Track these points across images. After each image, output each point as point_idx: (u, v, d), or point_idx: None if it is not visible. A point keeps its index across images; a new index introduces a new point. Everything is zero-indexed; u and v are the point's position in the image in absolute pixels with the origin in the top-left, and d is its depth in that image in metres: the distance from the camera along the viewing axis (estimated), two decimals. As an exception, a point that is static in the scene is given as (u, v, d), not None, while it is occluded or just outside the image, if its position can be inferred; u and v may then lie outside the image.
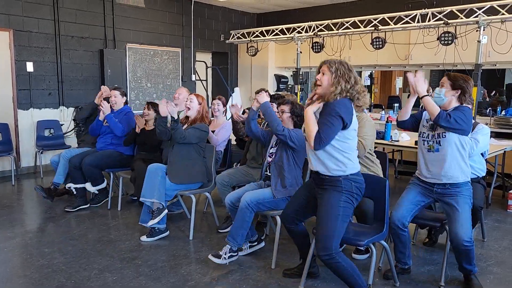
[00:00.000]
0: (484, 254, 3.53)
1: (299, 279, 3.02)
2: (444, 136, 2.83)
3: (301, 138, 3.19)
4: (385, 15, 6.54)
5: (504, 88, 8.77)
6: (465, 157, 2.87)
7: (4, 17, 6.02)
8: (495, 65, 6.46)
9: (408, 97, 3.00)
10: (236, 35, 8.76)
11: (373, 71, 10.55)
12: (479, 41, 5.38)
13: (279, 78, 8.93)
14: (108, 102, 4.69)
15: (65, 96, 6.72)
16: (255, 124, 3.44)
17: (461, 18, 5.72)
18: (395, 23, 6.44)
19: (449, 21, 5.76)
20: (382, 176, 3.35)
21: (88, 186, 4.58)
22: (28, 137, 6.44)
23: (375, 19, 6.63)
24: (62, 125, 6.68)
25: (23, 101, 6.35)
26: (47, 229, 4.07)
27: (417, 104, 3.30)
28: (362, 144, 3.24)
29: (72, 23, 6.73)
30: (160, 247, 3.63)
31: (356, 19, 6.87)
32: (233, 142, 4.92)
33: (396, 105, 7.69)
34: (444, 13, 5.86)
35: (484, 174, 3.60)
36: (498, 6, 5.47)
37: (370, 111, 7.78)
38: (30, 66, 6.33)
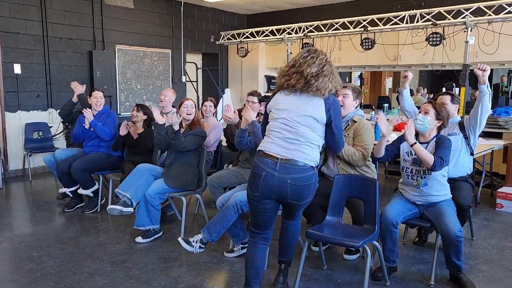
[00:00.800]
0: (473, 253, 3.56)
1: (293, 279, 3.02)
2: (429, 173, 2.96)
3: None
4: (374, 16, 6.58)
5: (491, 88, 8.87)
6: (444, 181, 3.05)
7: (-9, 18, 5.96)
8: (483, 65, 6.54)
9: (380, 137, 3.06)
10: (226, 36, 8.75)
11: (363, 72, 10.61)
12: (466, 42, 5.45)
13: (269, 79, 8.94)
14: (89, 107, 4.63)
15: (53, 98, 6.65)
16: (245, 141, 3.36)
17: (449, 19, 5.78)
18: (384, 24, 6.48)
19: (437, 22, 5.82)
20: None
21: (81, 190, 4.54)
22: (16, 139, 6.37)
23: (364, 20, 6.67)
24: (51, 127, 6.61)
25: (11, 103, 6.28)
26: (36, 232, 4.02)
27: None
28: (362, 155, 3.18)
29: (60, 24, 6.67)
30: (150, 250, 3.61)
31: (346, 20, 6.91)
32: (224, 144, 4.91)
33: (386, 105, 7.74)
34: (432, 14, 5.92)
35: (471, 172, 3.62)
36: (485, 7, 5.53)
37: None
38: (17, 68, 6.26)
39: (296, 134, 2.43)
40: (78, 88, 4.94)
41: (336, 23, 7.02)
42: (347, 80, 10.82)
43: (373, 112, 7.15)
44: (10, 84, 6.23)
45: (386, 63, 7.15)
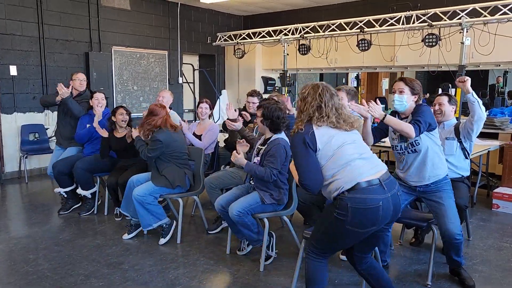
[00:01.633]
0: (470, 253, 3.57)
1: (289, 280, 3.03)
2: (417, 144, 2.90)
3: (280, 153, 3.18)
4: (371, 17, 6.60)
5: (487, 89, 8.92)
6: (440, 152, 2.97)
7: (-13, 20, 5.94)
8: (479, 66, 6.57)
9: (364, 120, 3.00)
10: (223, 37, 8.75)
11: (360, 73, 10.65)
12: (462, 43, 5.47)
13: (266, 80, 8.94)
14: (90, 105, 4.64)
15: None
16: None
17: (445, 20, 5.80)
18: (380, 25, 6.50)
19: (433, 23, 5.84)
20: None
21: (80, 190, 4.52)
22: (12, 141, 6.34)
23: (360, 21, 6.68)
24: (47, 129, 6.59)
25: (7, 105, 6.25)
26: (32, 235, 4.00)
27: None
28: None
29: (57, 26, 6.66)
30: (147, 252, 3.60)
31: (342, 21, 6.92)
32: (221, 145, 4.91)
33: (383, 106, 7.74)
34: (428, 15, 5.94)
35: (468, 174, 3.64)
36: (480, 8, 5.56)
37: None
38: (13, 70, 6.24)
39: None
40: (63, 91, 4.67)
41: (333, 24, 7.03)
42: (343, 81, 10.85)
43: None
44: (6, 85, 6.21)
45: (382, 64, 7.17)
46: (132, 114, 4.57)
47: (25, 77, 6.40)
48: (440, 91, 7.01)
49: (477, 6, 5.58)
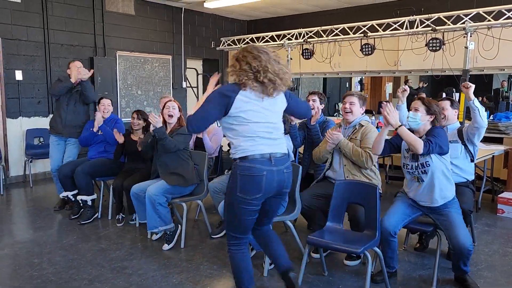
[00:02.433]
0: (475, 258, 3.55)
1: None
2: (428, 165, 2.91)
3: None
4: (374, 22, 6.60)
5: (492, 94, 8.89)
6: (449, 175, 2.98)
7: (-7, 25, 5.99)
8: (483, 70, 6.55)
9: (381, 129, 3.02)
10: (226, 42, 8.78)
11: (363, 77, 10.63)
12: (466, 47, 5.46)
13: (269, 85, 8.94)
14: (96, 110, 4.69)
15: (54, 104, 6.64)
16: None
17: (449, 25, 5.80)
18: (384, 30, 6.50)
19: (436, 28, 5.83)
20: (380, 187, 3.36)
21: (80, 196, 4.50)
22: (17, 145, 6.37)
23: (364, 26, 6.69)
24: (51, 133, 6.62)
25: (12, 109, 6.29)
26: (36, 239, 4.01)
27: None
28: (370, 156, 3.27)
29: (62, 31, 6.70)
30: (151, 256, 3.60)
31: (346, 25, 6.93)
32: (224, 149, 4.91)
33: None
34: (432, 19, 5.94)
35: (472, 178, 3.63)
36: (484, 12, 5.55)
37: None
38: (19, 75, 6.28)
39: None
40: (85, 72, 4.74)
41: (336, 29, 7.04)
42: (347, 86, 10.84)
43: (373, 117, 7.16)
44: (11, 90, 6.25)
45: (386, 68, 7.16)
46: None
47: (30, 82, 6.44)
48: (444, 95, 7.00)
49: (481, 10, 5.58)
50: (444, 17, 5.87)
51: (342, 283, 3.12)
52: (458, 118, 3.75)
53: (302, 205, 3.40)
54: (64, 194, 4.62)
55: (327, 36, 7.15)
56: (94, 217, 4.52)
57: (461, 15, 5.71)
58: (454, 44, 5.82)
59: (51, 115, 6.64)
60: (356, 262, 3.44)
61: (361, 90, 10.82)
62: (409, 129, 2.95)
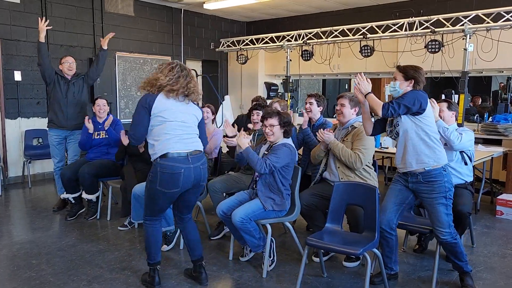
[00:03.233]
0: (474, 260, 3.55)
1: (292, 287, 3.02)
2: (398, 125, 2.89)
3: (285, 154, 3.24)
4: (373, 24, 6.62)
5: (491, 95, 8.90)
6: (428, 139, 2.83)
7: (-8, 25, 5.98)
8: (482, 72, 6.57)
9: (362, 106, 3.02)
10: (226, 43, 8.78)
11: (362, 79, 10.63)
12: (465, 49, 5.47)
13: (269, 86, 8.95)
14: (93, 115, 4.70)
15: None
16: (244, 161, 3.45)
17: (448, 27, 5.81)
18: (383, 32, 6.52)
19: (436, 30, 5.84)
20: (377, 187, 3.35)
21: (84, 195, 4.54)
22: (16, 146, 6.36)
23: (363, 28, 6.71)
24: (50, 134, 6.61)
25: (11, 110, 6.28)
26: (35, 240, 4.00)
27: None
28: (359, 158, 3.30)
29: (61, 31, 6.70)
30: (150, 257, 3.59)
31: (345, 27, 6.94)
32: (224, 151, 4.90)
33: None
34: (431, 21, 5.95)
35: (471, 180, 3.63)
36: (483, 14, 5.57)
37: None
38: (18, 75, 6.27)
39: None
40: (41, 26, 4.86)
41: (335, 31, 7.05)
42: (346, 87, 10.85)
43: (372, 119, 7.16)
44: (10, 91, 6.24)
45: (385, 70, 7.16)
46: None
47: (30, 83, 6.43)
48: (443, 97, 7.01)
49: (480, 12, 5.59)
50: (443, 19, 5.89)
51: (341, 285, 3.12)
52: (456, 120, 3.75)
53: (301, 205, 3.40)
54: (65, 196, 4.63)
55: (326, 37, 7.16)
56: (97, 214, 4.61)
57: (460, 17, 5.72)
58: (453, 46, 5.84)
59: (50, 116, 6.64)
60: (355, 264, 3.44)
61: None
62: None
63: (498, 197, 4.82)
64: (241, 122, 4.87)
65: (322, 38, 7.22)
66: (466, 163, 3.56)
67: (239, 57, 8.40)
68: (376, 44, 6.60)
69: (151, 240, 2.97)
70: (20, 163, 6.40)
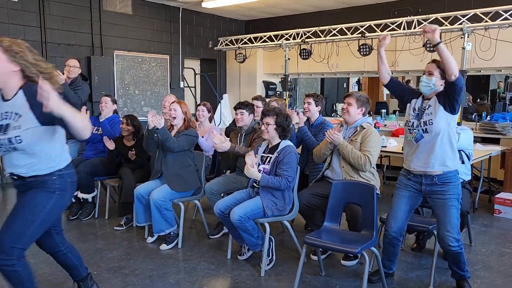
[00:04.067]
0: (472, 259, 3.56)
1: (291, 286, 3.02)
2: (431, 123, 2.70)
3: (293, 159, 3.27)
4: (372, 22, 6.62)
5: (489, 94, 8.91)
6: (454, 143, 2.76)
7: (-11, 24, 5.96)
8: (480, 71, 6.58)
9: (378, 52, 2.90)
10: (224, 42, 8.77)
11: (361, 78, 10.65)
12: (463, 48, 5.48)
13: (267, 85, 8.95)
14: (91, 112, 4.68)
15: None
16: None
17: (446, 25, 5.82)
18: (381, 30, 6.52)
19: (434, 28, 5.84)
20: (378, 188, 3.35)
21: (80, 194, 4.51)
22: (13, 145, 6.34)
23: (361, 26, 6.70)
24: (48, 133, 6.59)
25: (9, 109, 6.26)
26: (32, 239, 3.99)
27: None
28: (368, 160, 3.26)
29: (59, 30, 6.68)
30: (148, 256, 3.59)
31: (343, 26, 6.94)
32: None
33: (384, 111, 7.76)
34: (429, 20, 5.96)
35: (469, 178, 3.63)
36: (481, 13, 5.57)
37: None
38: (15, 74, 6.25)
39: None
40: (60, 78, 4.34)
41: (334, 29, 7.05)
42: (345, 86, 10.85)
43: (370, 118, 7.16)
44: (8, 89, 6.22)
45: (383, 69, 7.16)
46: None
47: (27, 81, 6.41)
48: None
49: (478, 11, 5.60)
50: (441, 17, 5.89)
51: (339, 284, 3.12)
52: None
53: (301, 204, 3.40)
54: None
55: (325, 36, 7.16)
56: (93, 213, 4.59)
57: (459, 16, 5.73)
58: (452, 44, 5.83)
59: (48, 115, 6.62)
60: (353, 263, 3.44)
61: (359, 91, 10.82)
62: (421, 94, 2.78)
63: (496, 196, 4.83)
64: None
65: (320, 37, 7.22)
66: (463, 162, 3.55)
67: (238, 55, 8.40)
68: (375, 43, 6.60)
69: (31, 276, 2.42)
70: (18, 162, 6.37)
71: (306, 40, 7.33)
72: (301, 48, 7.45)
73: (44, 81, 1.99)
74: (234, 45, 8.48)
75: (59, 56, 6.70)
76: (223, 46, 8.77)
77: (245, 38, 8.35)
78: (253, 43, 8.19)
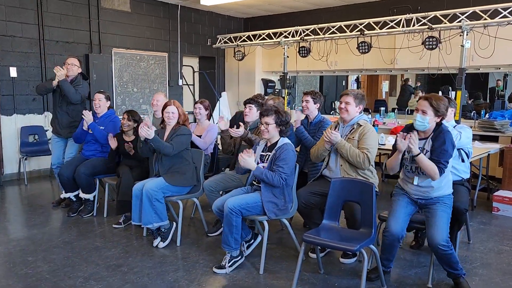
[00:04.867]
0: (470, 256, 3.56)
1: (289, 283, 3.02)
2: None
3: (291, 156, 3.24)
4: (371, 20, 6.60)
5: (488, 92, 8.91)
6: (448, 174, 2.94)
7: (-13, 21, 5.94)
8: (479, 69, 6.57)
9: (396, 153, 2.96)
10: (223, 39, 8.75)
11: (360, 75, 10.65)
12: (462, 46, 5.47)
13: (266, 83, 8.94)
14: (90, 110, 4.66)
15: (49, 102, 6.59)
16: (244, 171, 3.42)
17: (445, 23, 5.81)
18: (380, 28, 6.51)
19: (433, 26, 5.84)
20: (377, 186, 3.34)
21: (82, 194, 4.54)
22: (11, 143, 6.33)
23: (360, 24, 6.69)
24: (46, 131, 6.57)
25: (6, 106, 6.25)
26: (31, 237, 3.99)
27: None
28: (367, 157, 3.26)
29: (57, 27, 6.66)
30: (146, 254, 3.59)
31: (342, 24, 6.93)
32: (220, 147, 4.90)
33: (383, 108, 7.76)
34: (428, 18, 5.95)
35: (468, 176, 3.63)
36: (480, 11, 5.56)
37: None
38: (13, 71, 6.24)
39: None
40: (61, 73, 4.55)
41: (333, 27, 7.04)
42: (343, 84, 10.85)
43: (369, 115, 7.17)
44: (6, 87, 6.21)
45: (382, 66, 7.17)
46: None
47: (25, 79, 6.39)
48: (440, 93, 7.01)
49: (477, 9, 5.59)
50: (440, 15, 5.88)
51: (338, 281, 3.12)
52: (454, 117, 3.75)
53: (299, 202, 3.39)
54: (66, 195, 4.63)
55: (323, 34, 7.14)
56: (93, 211, 4.61)
57: (458, 14, 5.72)
58: (451, 42, 5.84)
59: (45, 113, 6.62)
60: (352, 260, 3.44)
61: (357, 88, 10.82)
62: (411, 126, 2.93)
63: (495, 194, 4.83)
64: (239, 119, 4.86)
65: (319, 34, 7.21)
66: (463, 160, 3.56)
67: (236, 53, 8.38)
68: (374, 40, 6.59)
69: None
70: (16, 160, 6.37)
71: (305, 37, 7.32)
72: (300, 46, 7.43)
73: None
74: (233, 42, 8.46)
75: (57, 54, 6.69)
76: (221, 43, 8.75)
77: (243, 36, 8.34)
78: (252, 40, 8.17)
